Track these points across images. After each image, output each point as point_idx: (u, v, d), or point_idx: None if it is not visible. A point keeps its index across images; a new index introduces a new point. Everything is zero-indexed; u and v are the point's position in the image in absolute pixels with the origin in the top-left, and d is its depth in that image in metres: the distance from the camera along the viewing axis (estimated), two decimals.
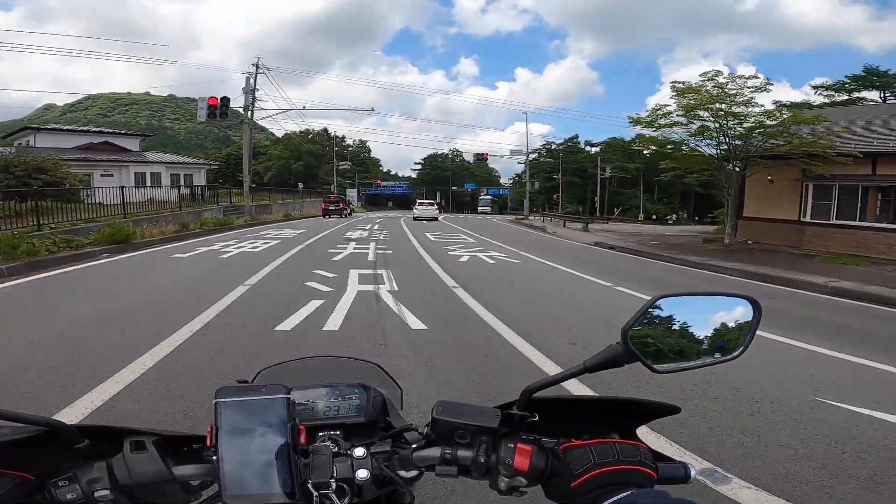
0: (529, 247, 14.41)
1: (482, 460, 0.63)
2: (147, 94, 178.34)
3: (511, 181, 78.63)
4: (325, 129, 65.68)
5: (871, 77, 32.73)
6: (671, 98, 15.30)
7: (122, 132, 39.37)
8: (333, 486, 0.61)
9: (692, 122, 15.11)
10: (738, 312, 0.68)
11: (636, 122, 15.97)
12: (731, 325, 0.67)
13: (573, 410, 0.70)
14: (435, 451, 0.65)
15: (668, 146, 16.68)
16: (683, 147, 16.33)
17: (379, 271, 8.48)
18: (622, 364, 0.62)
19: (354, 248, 11.98)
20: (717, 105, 14.39)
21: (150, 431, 0.64)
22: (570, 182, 57.37)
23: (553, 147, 63.25)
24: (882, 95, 32.60)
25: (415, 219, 29.42)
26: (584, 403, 0.71)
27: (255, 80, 35.98)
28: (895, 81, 32.54)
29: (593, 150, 62.41)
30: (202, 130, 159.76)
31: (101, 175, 28.37)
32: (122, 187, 15.21)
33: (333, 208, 31.19)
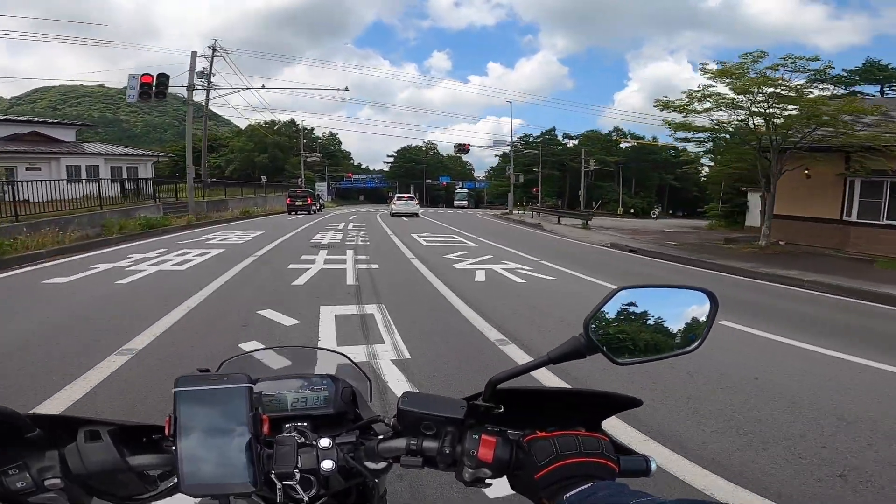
0: (545, 252, 11.44)
1: (447, 451, 0.62)
2: (101, 86, 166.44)
3: (486, 174, 75.96)
4: (293, 121, 60.85)
5: (873, 70, 31.12)
6: (708, 79, 12.66)
7: (56, 121, 34.39)
8: (297, 476, 0.59)
9: (737, 108, 12.48)
10: (696, 304, 0.67)
11: (665, 105, 13.25)
12: (691, 317, 0.66)
13: (540, 402, 0.68)
14: (400, 442, 0.63)
15: (700, 134, 14.06)
16: (722, 136, 13.77)
17: (367, 309, 5.29)
18: (584, 355, 0.62)
19: (326, 261, 8.70)
20: (769, 89, 11.79)
21: (106, 421, 0.60)
22: (549, 175, 54.99)
23: (531, 139, 60.63)
24: (881, 90, 31.08)
25: (392, 215, 25.69)
26: (551, 395, 0.70)
27: (212, 64, 31.89)
28: None
29: (571, 143, 60.32)
30: (161, 124, 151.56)
31: (27, 169, 24.19)
32: (13, 182, 11.43)
33: (300, 204, 26.99)
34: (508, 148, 36.64)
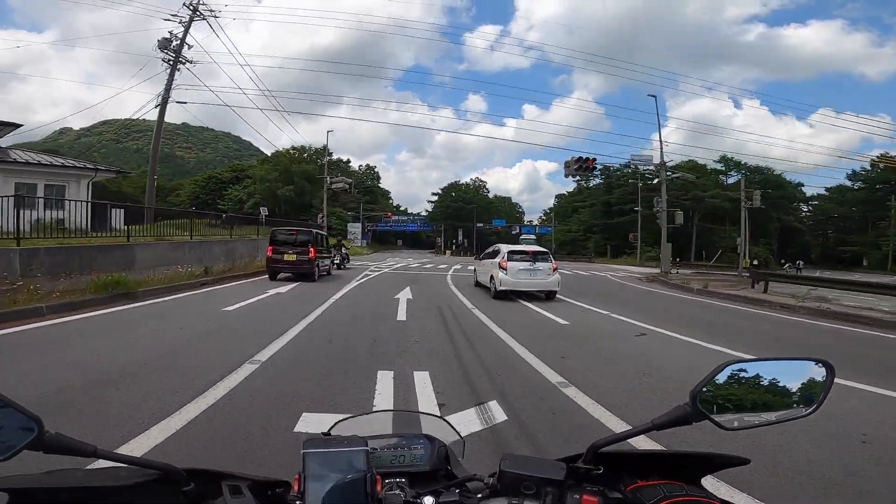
0: None
1: None
2: None
3: (543, 218, 61.91)
4: (325, 147, 48.97)
5: None
6: None
7: None
8: None
9: None
10: (809, 373, 0.65)
11: None
12: (801, 385, 0.64)
13: (638, 463, 0.67)
14: (501, 502, 0.62)
15: None
16: None
17: None
18: (690, 422, 0.61)
19: None
20: None
21: (245, 476, 0.63)
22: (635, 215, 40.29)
23: (612, 170, 46.21)
24: None
25: (496, 295, 10.23)
26: (651, 457, 0.69)
27: (187, 30, 19.53)
28: None
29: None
30: (213, 160, 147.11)
31: None
32: None
33: (291, 258, 11.99)
34: (662, 170, 22.40)
